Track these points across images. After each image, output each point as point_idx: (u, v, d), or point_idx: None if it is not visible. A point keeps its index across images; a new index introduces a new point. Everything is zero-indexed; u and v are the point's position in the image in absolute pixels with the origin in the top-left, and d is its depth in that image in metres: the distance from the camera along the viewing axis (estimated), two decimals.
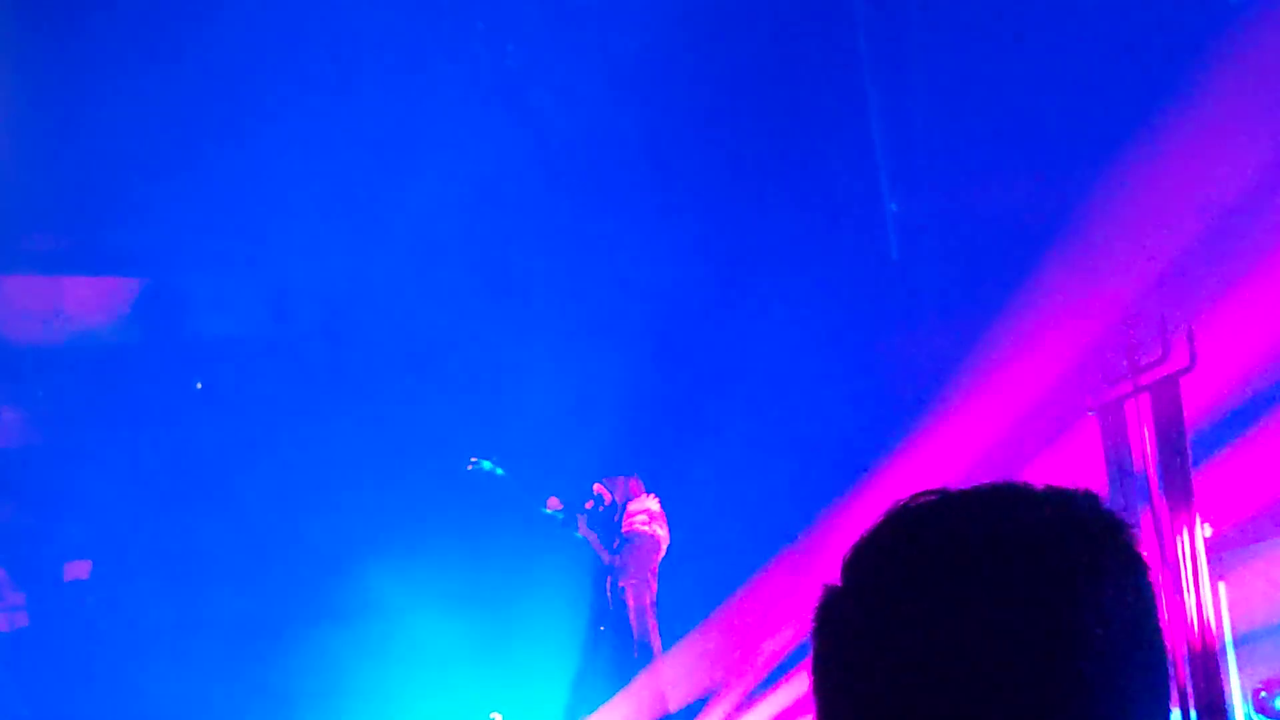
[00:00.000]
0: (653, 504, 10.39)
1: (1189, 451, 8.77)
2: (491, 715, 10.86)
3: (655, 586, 10.23)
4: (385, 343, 12.01)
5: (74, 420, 11.79)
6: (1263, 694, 2.98)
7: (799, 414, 11.24)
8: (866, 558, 1.13)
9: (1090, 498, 1.17)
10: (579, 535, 10.49)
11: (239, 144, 10.96)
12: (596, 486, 10.52)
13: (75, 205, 11.26)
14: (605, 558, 10.34)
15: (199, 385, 12.20)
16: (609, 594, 10.27)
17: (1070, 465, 9.26)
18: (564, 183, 11.55)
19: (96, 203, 11.19)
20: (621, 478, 10.60)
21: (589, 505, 10.49)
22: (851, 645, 1.11)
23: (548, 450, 10.98)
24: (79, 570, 12.20)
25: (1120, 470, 9.00)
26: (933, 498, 1.15)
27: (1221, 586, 8.39)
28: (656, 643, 10.06)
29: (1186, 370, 8.92)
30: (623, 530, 10.29)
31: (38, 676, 10.90)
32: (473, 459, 10.89)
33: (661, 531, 10.32)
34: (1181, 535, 8.51)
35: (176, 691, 10.86)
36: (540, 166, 11.56)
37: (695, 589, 10.53)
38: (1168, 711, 1.12)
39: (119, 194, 11.02)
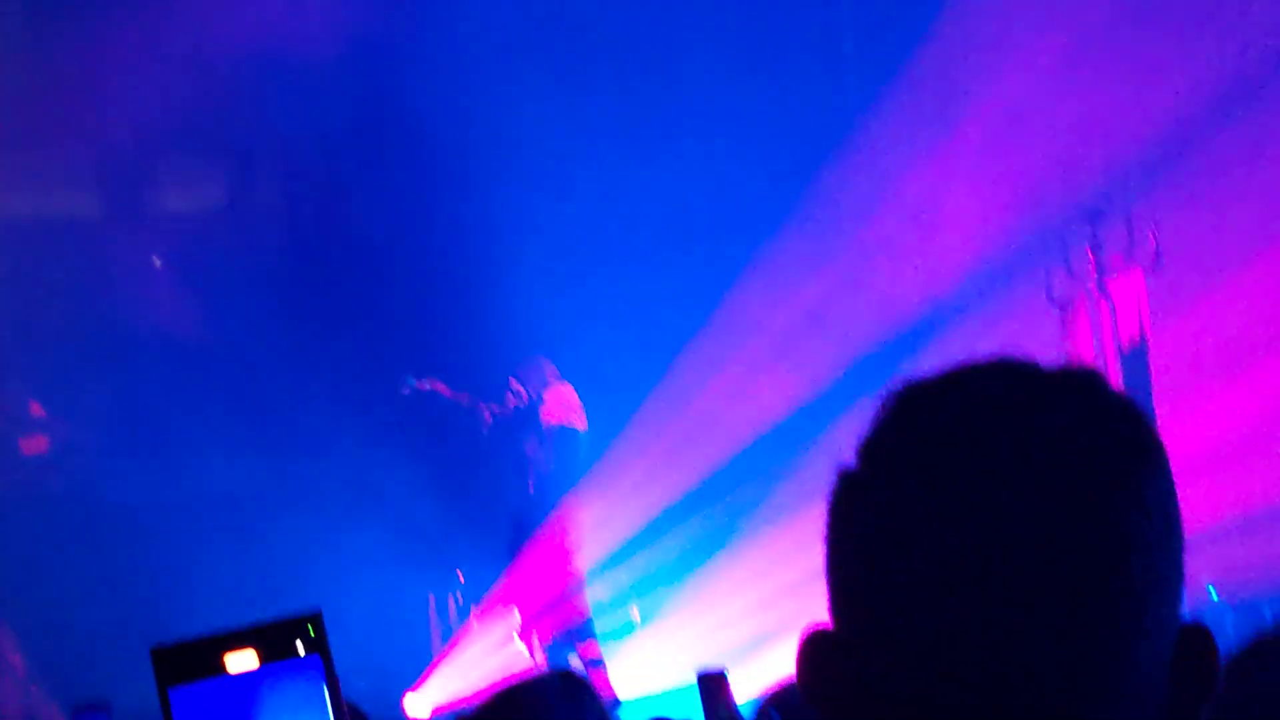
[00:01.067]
0: (568, 391, 10.12)
1: (1148, 352, 8.85)
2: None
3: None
4: (343, 230, 11.81)
5: (29, 296, 11.62)
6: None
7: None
8: (888, 442, 1.03)
9: (1099, 376, 1.07)
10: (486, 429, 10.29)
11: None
12: (511, 380, 10.22)
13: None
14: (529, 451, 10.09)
15: (157, 262, 12.04)
16: (531, 490, 10.05)
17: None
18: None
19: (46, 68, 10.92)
20: (536, 363, 10.31)
21: (510, 403, 10.18)
22: (875, 538, 1.02)
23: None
24: (38, 445, 12.17)
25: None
26: (943, 377, 1.05)
27: None
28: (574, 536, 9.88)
29: (1153, 267, 8.96)
30: (541, 423, 10.04)
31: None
32: (414, 383, 10.63)
33: (580, 423, 10.07)
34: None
35: (147, 565, 10.88)
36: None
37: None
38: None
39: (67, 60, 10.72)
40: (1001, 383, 1.04)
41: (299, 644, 0.98)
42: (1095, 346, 9.04)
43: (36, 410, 12.68)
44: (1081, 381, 1.05)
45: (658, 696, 8.93)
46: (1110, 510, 0.98)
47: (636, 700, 9.14)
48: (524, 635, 9.86)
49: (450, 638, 10.82)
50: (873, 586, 1.02)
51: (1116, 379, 8.80)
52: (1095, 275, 9.11)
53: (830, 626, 1.05)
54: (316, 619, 0.98)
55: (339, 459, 11.56)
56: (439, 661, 10.36)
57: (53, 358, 11.67)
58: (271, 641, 0.97)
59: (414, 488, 11.15)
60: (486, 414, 10.38)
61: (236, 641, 0.97)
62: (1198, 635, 1.03)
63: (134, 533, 11.18)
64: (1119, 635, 0.97)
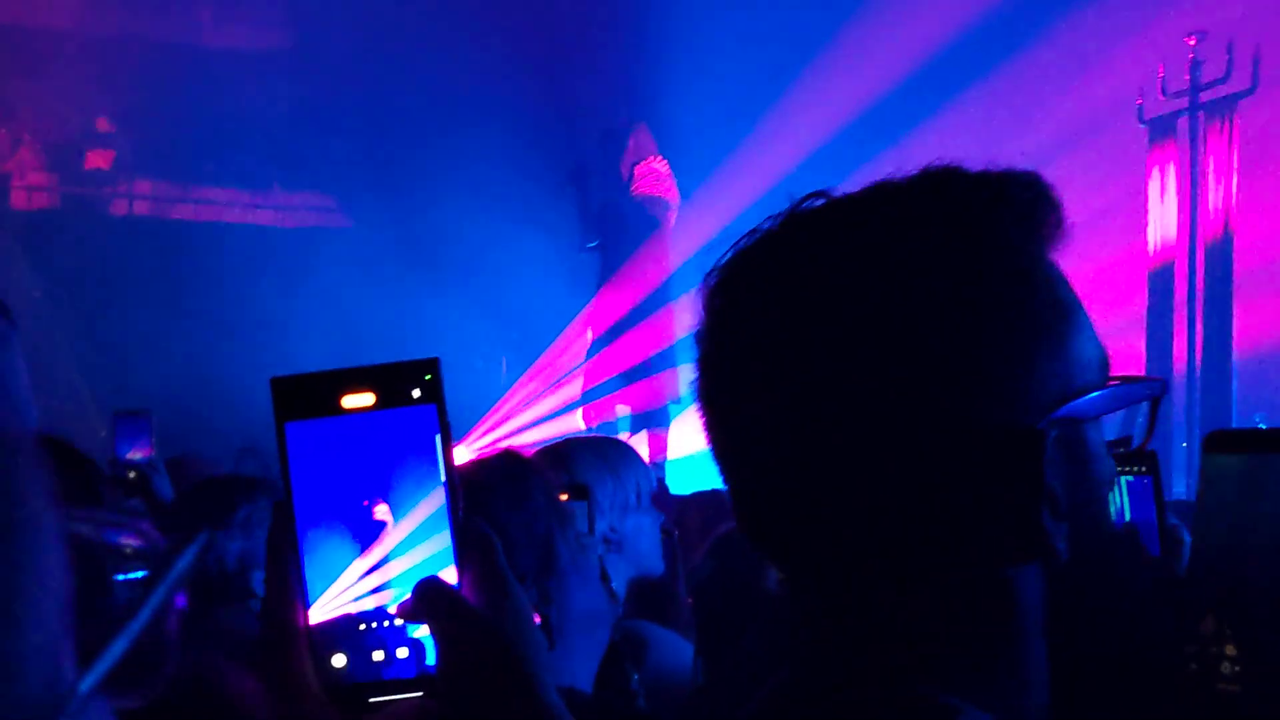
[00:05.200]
0: (660, 165, 9.98)
1: (1235, 179, 8.66)
2: None
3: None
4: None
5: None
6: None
7: None
8: (731, 273, 1.05)
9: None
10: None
11: None
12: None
13: None
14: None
15: None
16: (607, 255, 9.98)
17: (1111, 179, 9.09)
18: None
19: None
20: (629, 128, 10.10)
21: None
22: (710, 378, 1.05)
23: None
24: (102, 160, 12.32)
25: (1160, 190, 8.90)
26: (822, 200, 1.04)
27: None
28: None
29: (1248, 93, 8.71)
30: (633, 192, 9.91)
31: None
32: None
33: (673, 195, 9.97)
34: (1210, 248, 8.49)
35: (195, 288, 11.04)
36: None
37: None
38: None
39: None
40: (870, 210, 1.03)
41: (415, 390, 0.95)
42: (1185, 170, 8.85)
43: (104, 125, 12.78)
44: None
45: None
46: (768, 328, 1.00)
47: (683, 459, 9.22)
48: (587, 414, 9.92)
49: (501, 396, 10.97)
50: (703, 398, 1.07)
51: (1204, 205, 8.66)
52: (1190, 96, 8.86)
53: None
54: (434, 365, 0.96)
55: (426, 217, 11.48)
56: (488, 417, 10.51)
57: (123, 75, 11.64)
58: (389, 385, 0.96)
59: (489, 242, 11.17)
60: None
61: (355, 381, 0.95)
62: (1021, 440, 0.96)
63: (195, 254, 11.31)
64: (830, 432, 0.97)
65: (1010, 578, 0.99)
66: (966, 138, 9.37)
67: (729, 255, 1.05)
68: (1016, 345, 0.97)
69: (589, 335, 9.98)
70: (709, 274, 1.06)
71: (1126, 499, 2.23)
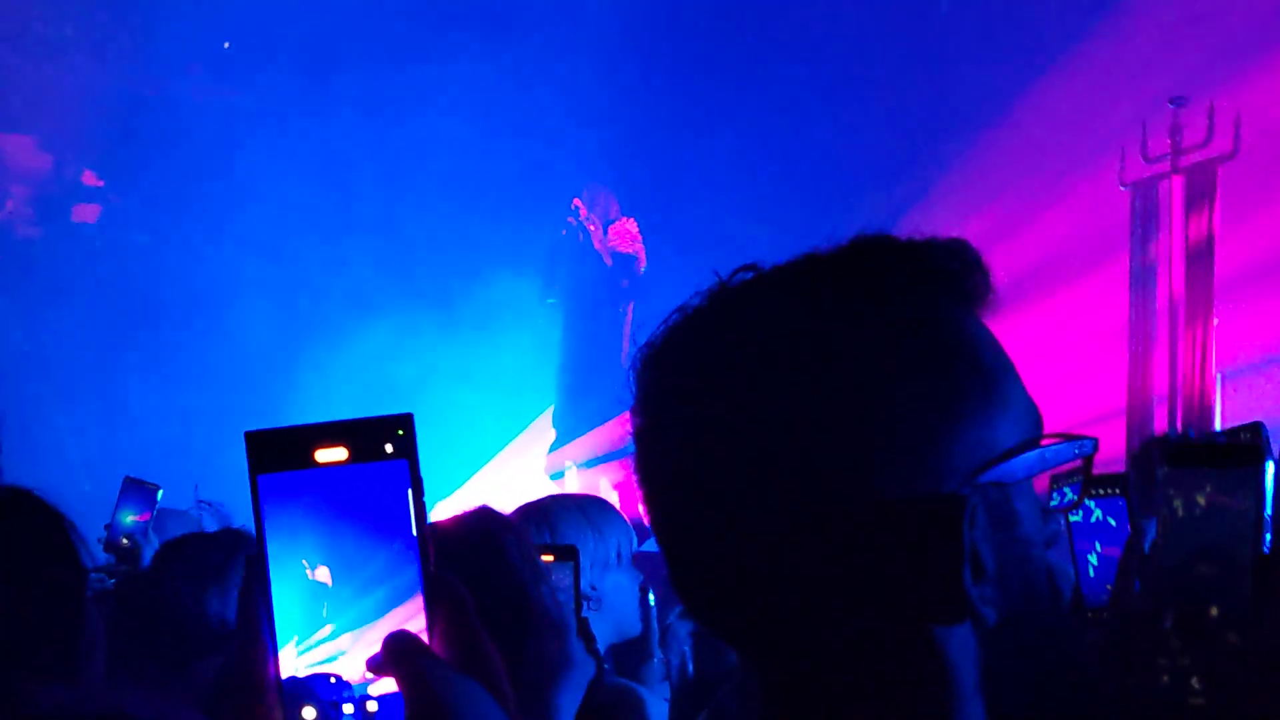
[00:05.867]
0: (630, 225, 10.12)
1: (1215, 240, 8.71)
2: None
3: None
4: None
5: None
6: None
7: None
8: (653, 349, 1.09)
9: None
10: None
11: None
12: (576, 201, 10.20)
13: None
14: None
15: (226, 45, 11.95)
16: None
17: (1095, 236, 9.14)
18: None
19: None
20: (601, 192, 10.27)
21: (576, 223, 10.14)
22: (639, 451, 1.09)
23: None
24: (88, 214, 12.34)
25: (1143, 250, 8.94)
26: (754, 274, 1.08)
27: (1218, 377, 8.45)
28: None
29: (1229, 158, 8.77)
30: (606, 248, 10.01)
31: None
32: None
33: (641, 255, 10.10)
34: (1196, 323, 8.51)
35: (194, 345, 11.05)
36: None
37: None
38: None
39: None
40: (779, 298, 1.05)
41: (388, 445, 0.97)
42: (1163, 232, 8.90)
43: (90, 179, 12.80)
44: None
45: None
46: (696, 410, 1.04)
47: None
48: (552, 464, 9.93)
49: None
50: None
51: (1180, 270, 8.70)
52: (1171, 160, 8.93)
53: None
54: (407, 421, 0.97)
55: (404, 267, 11.53)
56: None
57: (110, 128, 11.68)
58: (362, 439, 0.97)
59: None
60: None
61: (328, 435, 0.96)
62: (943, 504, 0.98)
63: (183, 308, 11.32)
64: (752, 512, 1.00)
65: (941, 641, 1.00)
66: (943, 199, 9.44)
67: (659, 330, 1.08)
68: (936, 415, 0.99)
69: (553, 390, 10.07)
70: (640, 348, 1.09)
71: (1111, 521, 2.28)
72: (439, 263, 11.19)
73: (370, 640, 0.98)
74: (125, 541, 3.80)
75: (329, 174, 11.37)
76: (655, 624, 3.29)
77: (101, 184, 12.68)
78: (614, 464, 9.47)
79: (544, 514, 3.06)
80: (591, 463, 9.76)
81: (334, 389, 10.36)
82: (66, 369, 11.25)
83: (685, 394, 1.04)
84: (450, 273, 11.16)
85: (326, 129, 11.31)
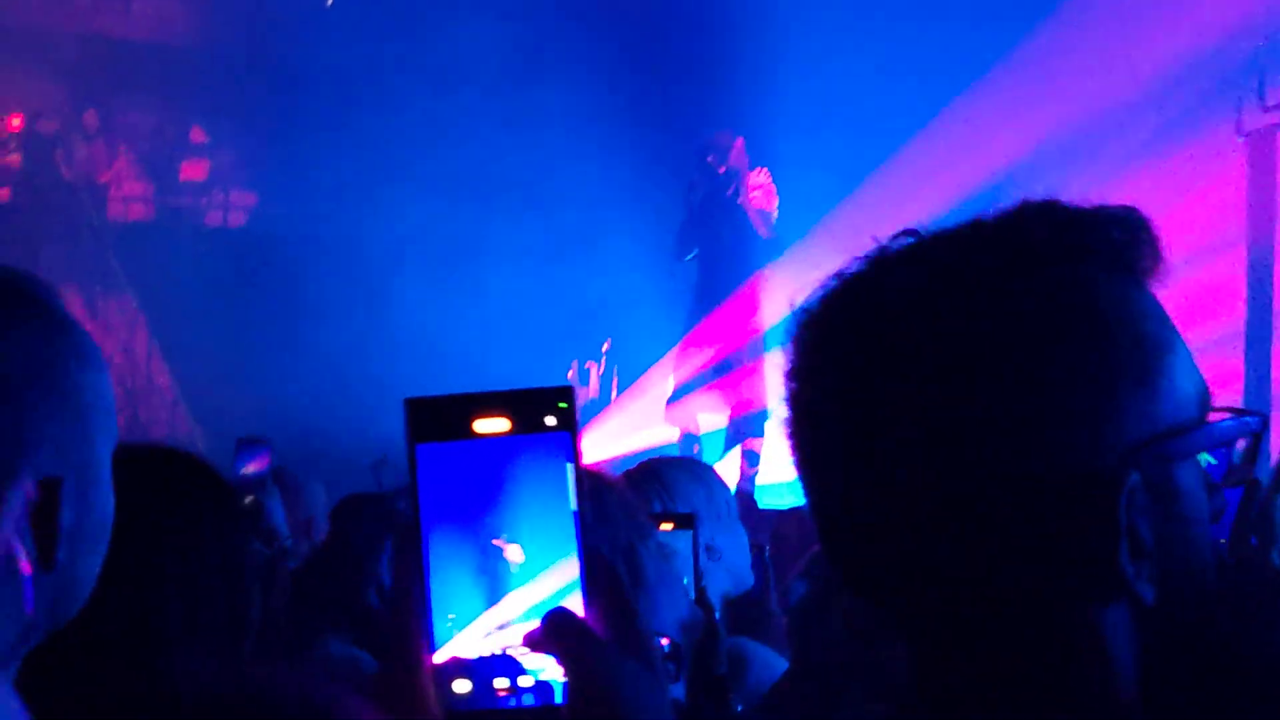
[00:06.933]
0: (763, 177, 9.93)
1: None
2: None
3: None
4: None
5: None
6: None
7: None
8: (811, 312, 1.08)
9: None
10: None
11: None
12: (708, 158, 9.99)
13: None
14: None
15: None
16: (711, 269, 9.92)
17: (1207, 195, 8.89)
18: None
19: None
20: (732, 139, 10.09)
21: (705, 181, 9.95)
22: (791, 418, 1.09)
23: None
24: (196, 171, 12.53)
25: (1262, 207, 8.71)
26: (915, 239, 1.07)
27: None
28: None
29: None
30: (739, 204, 9.84)
31: None
32: None
33: (773, 207, 9.93)
34: None
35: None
36: None
37: None
38: None
39: None
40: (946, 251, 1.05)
41: (550, 418, 0.95)
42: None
43: (198, 136, 13.00)
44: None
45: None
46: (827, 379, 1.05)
47: (771, 485, 9.16)
48: (673, 415, 9.87)
49: (596, 411, 10.97)
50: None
51: None
52: None
53: None
54: (568, 393, 0.96)
55: (509, 208, 11.50)
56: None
57: (221, 84, 11.80)
58: (524, 410, 0.96)
59: (583, 256, 11.19)
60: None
61: (490, 405, 0.95)
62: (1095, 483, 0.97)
63: (284, 264, 11.43)
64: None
65: (1099, 618, 1.00)
66: (1062, 149, 9.23)
67: (817, 295, 1.08)
68: (1097, 389, 0.98)
69: (681, 345, 9.97)
70: (796, 313, 1.08)
71: None
72: (569, 219, 11.26)
73: (529, 615, 0.97)
74: (248, 500, 3.64)
75: (444, 128, 11.35)
76: (773, 581, 3.30)
77: (209, 140, 12.86)
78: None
79: (657, 477, 3.09)
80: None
81: (454, 345, 10.42)
82: (176, 326, 11.42)
83: (844, 360, 1.04)
84: (581, 230, 11.23)
85: (440, 81, 11.29)
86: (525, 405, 0.96)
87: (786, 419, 1.09)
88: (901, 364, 1.00)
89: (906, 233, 1.07)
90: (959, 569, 0.99)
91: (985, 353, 0.98)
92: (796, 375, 1.08)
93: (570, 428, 0.96)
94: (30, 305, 1.14)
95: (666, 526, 2.36)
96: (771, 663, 2.94)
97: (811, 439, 1.07)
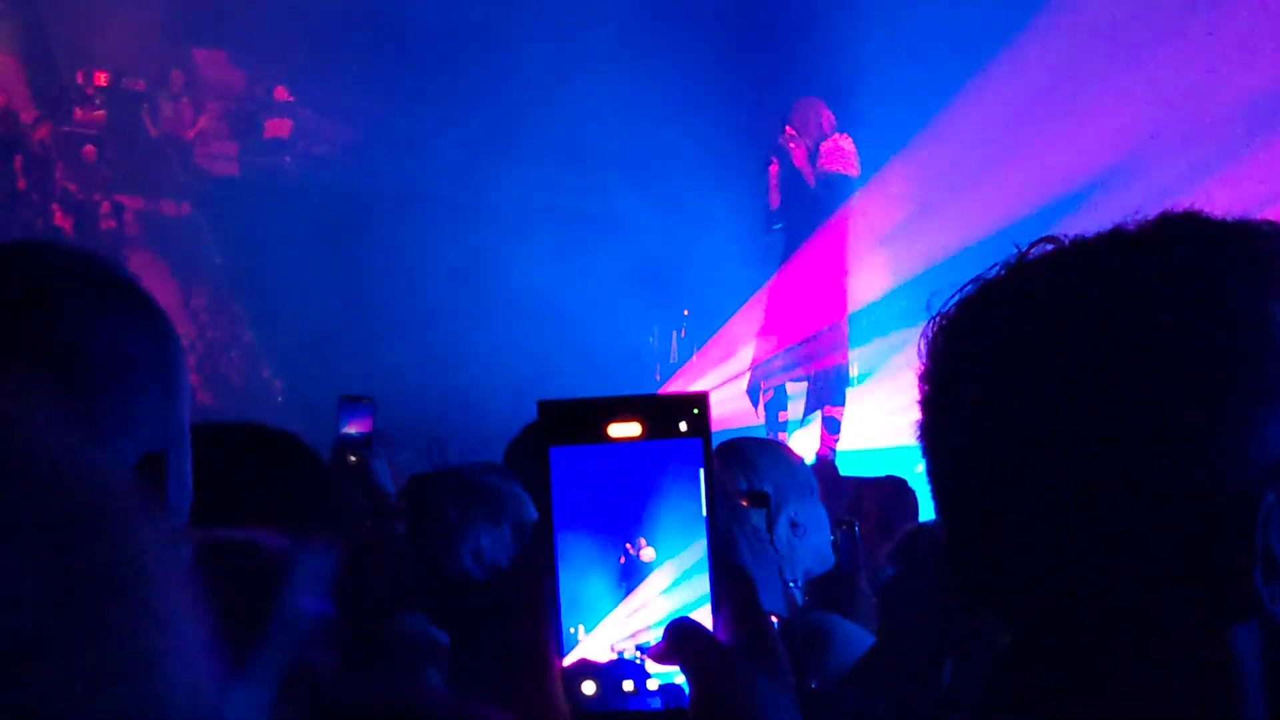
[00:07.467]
0: (846, 142, 9.86)
1: None
2: None
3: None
4: None
5: None
6: None
7: None
8: (963, 316, 1.06)
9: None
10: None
11: None
12: (788, 130, 9.92)
13: None
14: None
15: None
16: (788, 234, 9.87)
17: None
18: None
19: None
20: (812, 106, 10.07)
21: (787, 146, 9.87)
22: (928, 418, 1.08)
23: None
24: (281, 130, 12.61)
25: None
26: (1055, 247, 1.05)
27: None
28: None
29: None
30: (819, 168, 9.76)
31: None
32: None
33: (855, 171, 9.85)
34: None
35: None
36: None
37: None
38: None
39: None
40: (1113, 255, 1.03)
41: (683, 424, 0.95)
42: None
43: (282, 94, 13.07)
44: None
45: (873, 452, 8.93)
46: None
47: (851, 452, 9.13)
48: (754, 381, 9.83)
49: (670, 374, 10.97)
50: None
51: None
52: None
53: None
54: (703, 400, 0.95)
55: (583, 174, 11.52)
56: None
57: (302, 44, 11.85)
58: (657, 415, 0.95)
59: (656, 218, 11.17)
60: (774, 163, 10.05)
61: (623, 409, 0.95)
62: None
63: (368, 224, 11.49)
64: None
65: (1228, 636, 0.98)
66: (1171, 109, 9.05)
67: (955, 299, 1.07)
68: (1241, 404, 0.97)
69: (763, 312, 9.95)
70: (934, 317, 1.07)
71: None
72: (661, 189, 11.23)
73: (658, 621, 0.97)
74: (352, 459, 3.57)
75: (526, 94, 11.37)
76: (862, 559, 3.29)
77: (293, 99, 12.94)
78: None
79: (742, 455, 3.09)
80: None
81: (528, 313, 10.46)
82: (263, 288, 11.52)
83: (982, 367, 1.03)
84: (671, 199, 11.19)
85: (523, 47, 11.29)
86: (659, 410, 0.95)
87: (919, 422, 1.08)
88: (1044, 373, 0.99)
89: (1046, 239, 1.06)
90: (1090, 581, 0.99)
91: (1129, 365, 0.98)
92: (932, 379, 1.07)
93: (703, 434, 0.96)
94: (122, 290, 1.18)
95: (742, 504, 2.35)
96: (856, 638, 2.94)
97: (948, 442, 1.06)
